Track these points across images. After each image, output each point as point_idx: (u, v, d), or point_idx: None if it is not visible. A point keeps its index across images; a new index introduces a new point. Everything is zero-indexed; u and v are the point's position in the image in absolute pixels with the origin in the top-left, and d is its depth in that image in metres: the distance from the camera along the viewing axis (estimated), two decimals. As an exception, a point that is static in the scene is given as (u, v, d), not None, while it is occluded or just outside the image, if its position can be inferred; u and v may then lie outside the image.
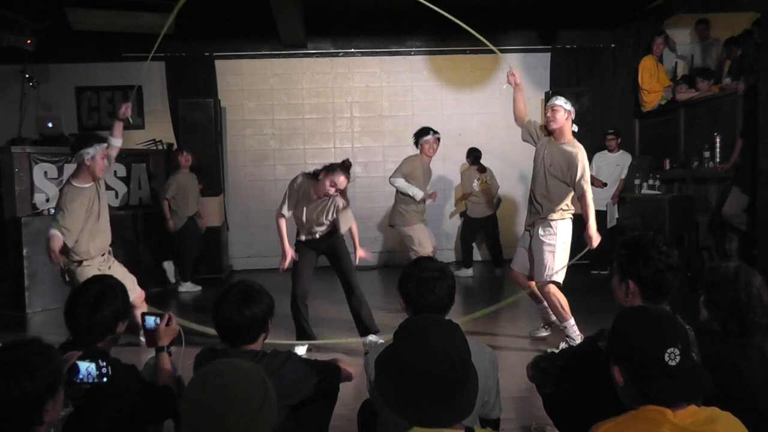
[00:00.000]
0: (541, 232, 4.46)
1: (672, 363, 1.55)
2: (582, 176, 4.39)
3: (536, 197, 4.54)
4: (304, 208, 4.58)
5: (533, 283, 4.63)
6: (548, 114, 4.46)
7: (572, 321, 4.41)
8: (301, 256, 4.74)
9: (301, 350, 4.66)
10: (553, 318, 4.70)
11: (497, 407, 2.28)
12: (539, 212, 4.50)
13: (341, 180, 4.44)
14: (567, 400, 2.24)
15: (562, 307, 4.38)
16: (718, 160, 6.43)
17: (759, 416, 1.81)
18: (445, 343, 1.51)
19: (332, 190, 4.43)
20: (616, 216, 7.57)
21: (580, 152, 4.40)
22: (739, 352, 2.02)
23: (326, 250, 4.80)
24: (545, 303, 4.65)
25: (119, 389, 2.13)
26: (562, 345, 4.41)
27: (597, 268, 7.63)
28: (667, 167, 7.35)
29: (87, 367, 2.04)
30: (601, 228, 7.56)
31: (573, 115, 4.46)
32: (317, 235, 4.72)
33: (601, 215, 7.68)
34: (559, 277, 4.40)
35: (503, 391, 2.36)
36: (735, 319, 2.06)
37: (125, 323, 2.39)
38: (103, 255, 4.46)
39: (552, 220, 4.44)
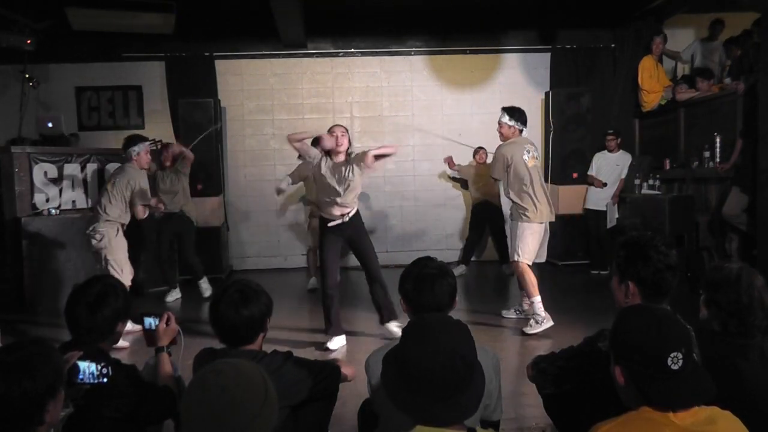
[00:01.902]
0: (512, 220, 5.26)
1: (674, 367, 1.54)
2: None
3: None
4: (328, 177, 4.73)
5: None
6: (497, 129, 5.27)
7: (539, 298, 5.01)
8: (327, 244, 4.80)
9: (335, 344, 4.75)
10: (527, 307, 5.33)
11: (498, 410, 2.28)
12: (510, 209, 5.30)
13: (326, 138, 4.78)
14: (567, 400, 2.24)
15: (531, 284, 5.03)
16: (718, 160, 6.43)
17: (759, 416, 1.81)
18: (449, 342, 1.51)
19: (336, 141, 4.75)
20: (616, 216, 7.57)
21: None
22: (739, 351, 2.02)
23: (351, 237, 4.86)
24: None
25: (119, 389, 2.12)
26: (531, 323, 5.00)
27: (597, 268, 7.63)
28: (667, 167, 7.35)
29: (87, 368, 2.04)
30: (600, 228, 7.64)
31: (517, 126, 5.16)
32: (346, 218, 4.79)
33: (601, 215, 7.71)
34: (528, 259, 5.06)
35: (503, 392, 2.37)
36: (735, 321, 2.06)
37: (125, 323, 2.39)
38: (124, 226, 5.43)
39: (520, 210, 5.11)
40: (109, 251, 5.25)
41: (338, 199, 4.70)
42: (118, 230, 5.35)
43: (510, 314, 5.57)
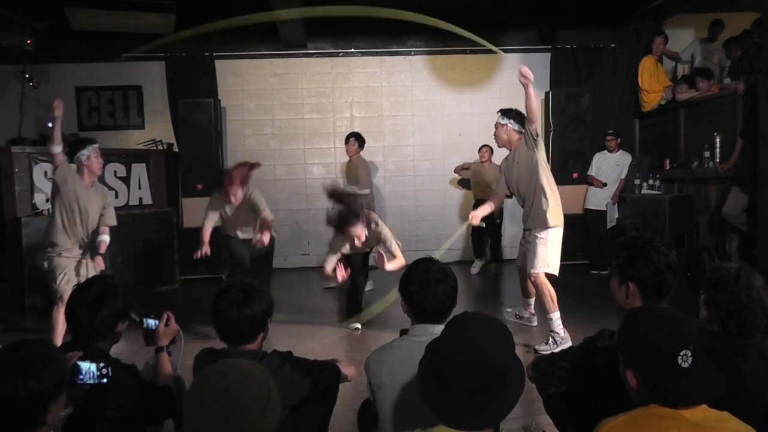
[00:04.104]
0: (536, 231, 4.69)
1: (684, 365, 1.55)
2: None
3: (524, 205, 4.87)
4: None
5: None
6: (494, 134, 4.96)
7: (558, 314, 4.59)
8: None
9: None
10: (527, 315, 5.21)
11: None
12: (530, 216, 4.77)
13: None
14: (567, 400, 2.24)
15: (551, 299, 4.58)
16: (718, 160, 6.43)
17: (759, 416, 1.81)
18: (488, 343, 1.48)
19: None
20: (616, 216, 7.57)
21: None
22: (738, 351, 2.02)
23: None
24: (531, 299, 5.14)
25: (119, 389, 2.12)
26: (550, 342, 4.56)
27: (597, 268, 7.63)
28: (667, 167, 7.35)
29: (87, 368, 2.04)
30: (600, 228, 7.64)
31: (513, 126, 4.82)
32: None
33: (601, 215, 7.72)
34: (554, 270, 4.62)
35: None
36: (734, 320, 2.05)
37: (125, 323, 2.39)
38: (80, 249, 4.75)
39: (545, 220, 4.64)
40: None
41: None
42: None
43: (511, 317, 5.33)
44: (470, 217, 4.84)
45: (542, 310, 4.73)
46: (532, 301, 5.14)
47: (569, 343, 4.45)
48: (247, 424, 1.37)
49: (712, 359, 1.89)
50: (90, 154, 4.69)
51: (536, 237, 4.64)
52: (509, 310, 5.44)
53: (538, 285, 4.64)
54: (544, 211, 4.61)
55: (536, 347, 4.57)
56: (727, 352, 2.01)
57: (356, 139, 7.31)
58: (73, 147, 4.78)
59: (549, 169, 4.84)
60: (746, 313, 2.04)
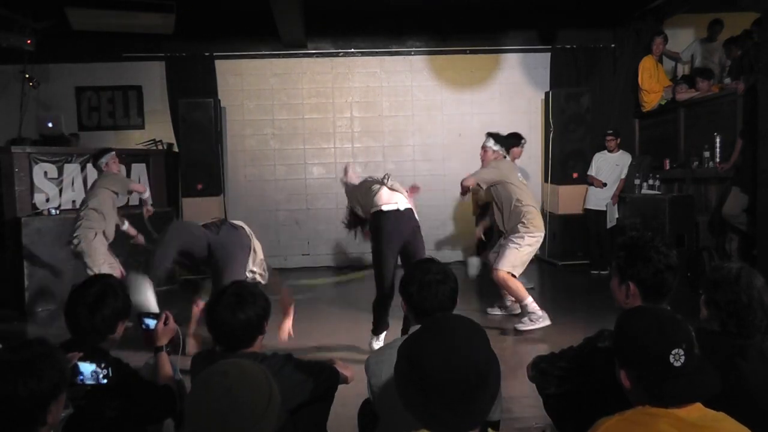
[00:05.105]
0: (512, 235, 5.20)
1: (677, 364, 1.55)
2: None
3: (502, 215, 5.37)
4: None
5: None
6: (480, 153, 5.54)
7: (530, 299, 5.02)
8: (387, 255, 4.37)
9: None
10: (509, 303, 5.54)
11: (498, 410, 2.27)
12: (505, 224, 5.29)
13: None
14: (567, 400, 2.24)
15: (517, 289, 5.07)
16: (718, 160, 6.43)
17: (759, 416, 1.81)
18: (469, 345, 1.43)
19: None
20: (616, 216, 7.57)
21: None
22: (738, 351, 2.02)
23: (409, 238, 4.39)
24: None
25: (119, 389, 2.12)
26: (525, 320, 4.99)
27: (597, 268, 7.63)
28: (667, 167, 7.35)
29: (87, 368, 2.04)
30: (600, 228, 7.64)
31: (497, 149, 5.44)
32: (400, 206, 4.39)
33: (601, 215, 7.72)
34: (516, 271, 5.12)
35: (503, 391, 2.36)
36: (734, 320, 2.06)
37: (125, 323, 2.38)
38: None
39: (522, 229, 5.14)
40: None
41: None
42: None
43: (495, 311, 5.67)
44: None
45: (516, 300, 5.20)
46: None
47: (548, 321, 4.96)
48: (248, 424, 1.37)
49: (713, 359, 1.89)
50: (108, 161, 5.63)
51: (511, 241, 5.13)
52: (489, 309, 5.77)
53: (499, 280, 5.11)
54: (518, 217, 5.12)
55: (516, 326, 5.02)
56: (727, 352, 2.00)
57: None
58: (95, 156, 5.74)
59: (521, 184, 5.37)
60: (746, 313, 2.04)
